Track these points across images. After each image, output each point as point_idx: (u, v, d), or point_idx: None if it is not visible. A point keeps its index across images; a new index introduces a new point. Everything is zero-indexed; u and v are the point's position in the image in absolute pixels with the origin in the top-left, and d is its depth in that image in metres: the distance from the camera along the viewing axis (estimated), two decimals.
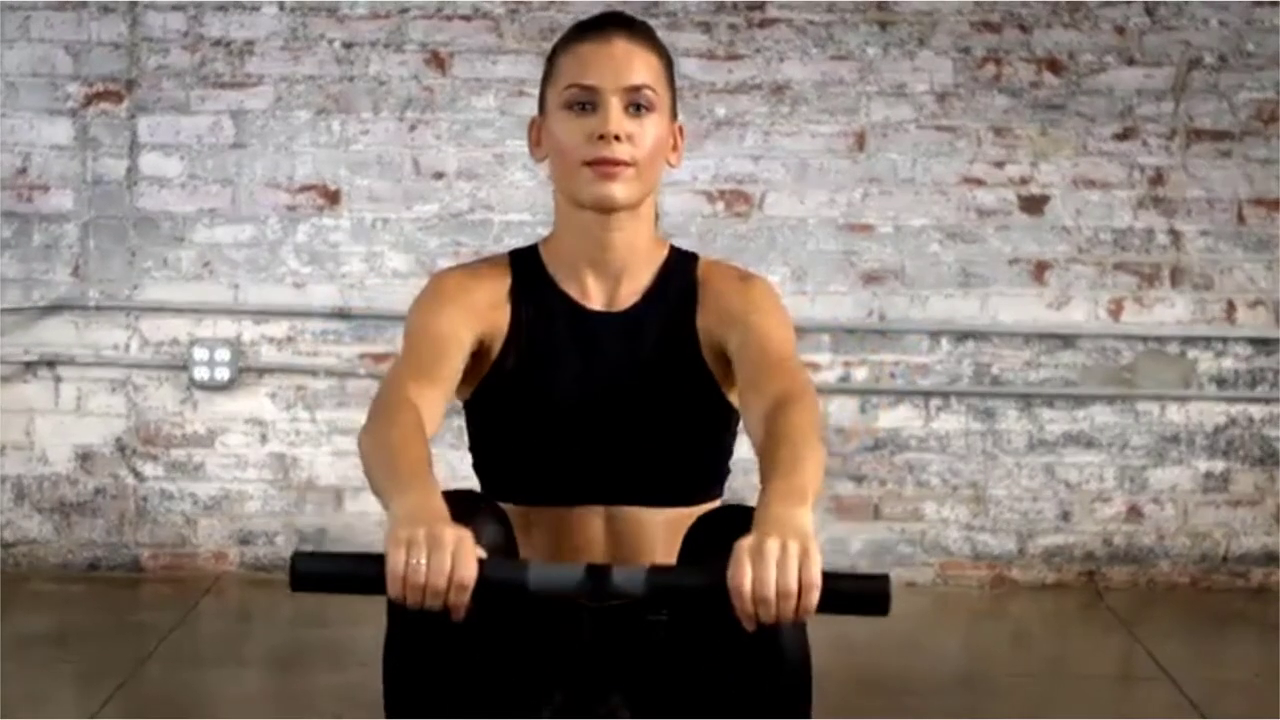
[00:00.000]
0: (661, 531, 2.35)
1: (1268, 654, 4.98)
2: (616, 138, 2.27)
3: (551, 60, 2.39)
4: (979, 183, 5.70)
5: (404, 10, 5.66)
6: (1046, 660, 5.11)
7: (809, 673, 2.14)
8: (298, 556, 1.93)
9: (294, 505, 5.75)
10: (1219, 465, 5.75)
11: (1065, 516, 5.77)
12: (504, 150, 5.63)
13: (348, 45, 5.67)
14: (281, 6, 5.66)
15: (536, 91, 2.45)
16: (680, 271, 2.42)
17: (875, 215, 5.71)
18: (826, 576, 1.83)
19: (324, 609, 5.36)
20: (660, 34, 2.46)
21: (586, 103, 2.30)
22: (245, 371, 5.71)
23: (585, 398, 2.35)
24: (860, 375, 5.71)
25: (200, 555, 5.75)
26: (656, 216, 2.46)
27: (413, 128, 5.68)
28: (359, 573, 1.90)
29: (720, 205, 5.69)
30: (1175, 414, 5.76)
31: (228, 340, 5.69)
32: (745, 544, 1.84)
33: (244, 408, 5.73)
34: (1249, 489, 5.76)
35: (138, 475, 5.73)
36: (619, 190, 2.29)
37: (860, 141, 5.70)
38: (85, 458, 5.72)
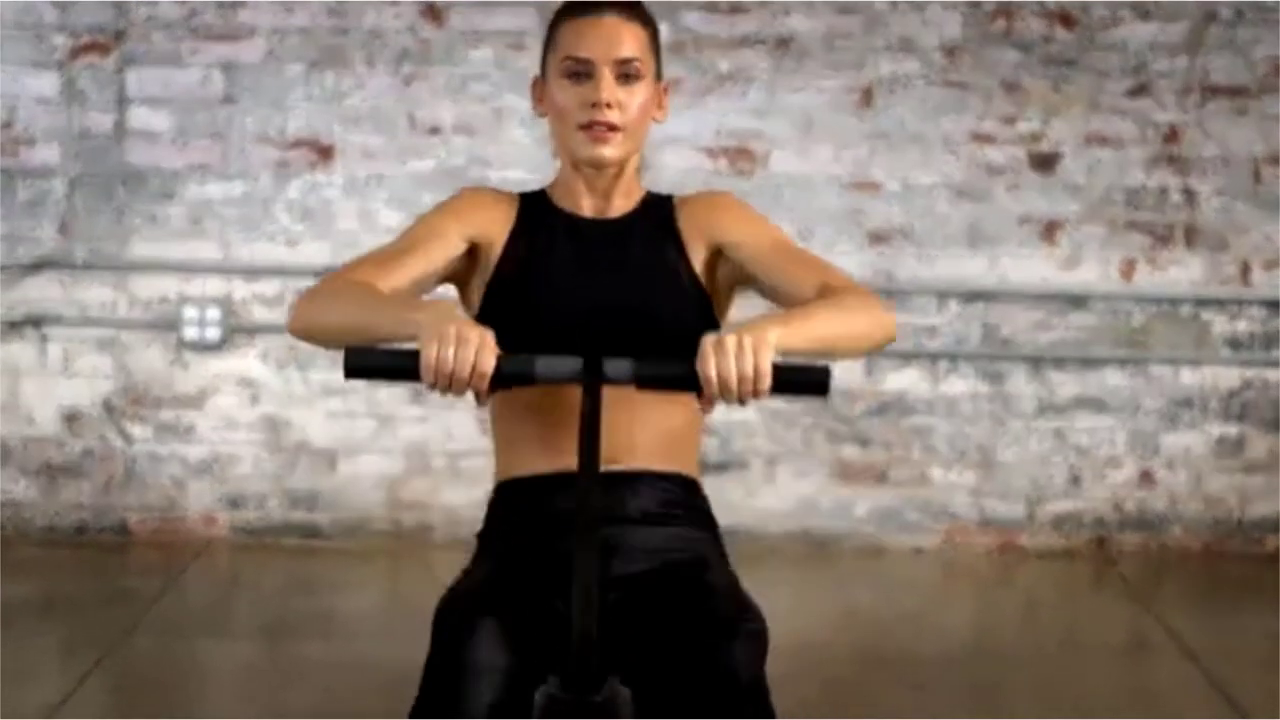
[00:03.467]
0: (647, 411, 2.51)
1: None
2: (608, 105, 2.57)
3: (552, 30, 2.65)
4: (988, 140, 5.62)
5: None
6: (1056, 630, 5.05)
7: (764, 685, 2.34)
8: (349, 351, 2.23)
9: (285, 467, 5.65)
10: (1233, 429, 5.68)
11: (1075, 482, 5.69)
12: (501, 105, 5.52)
13: None
14: None
15: (534, 44, 2.53)
16: (658, 202, 2.74)
17: (882, 173, 5.62)
18: (775, 366, 2.15)
19: (314, 575, 5.29)
20: None
21: (582, 73, 2.58)
22: (236, 331, 5.63)
23: (578, 285, 2.58)
24: None
25: (189, 519, 5.66)
26: (640, 167, 2.75)
27: (408, 81, 5.58)
28: (400, 364, 2.21)
29: (723, 162, 5.59)
30: (1188, 377, 5.68)
31: (218, 299, 5.60)
32: (709, 338, 2.18)
33: (235, 368, 5.64)
34: (1263, 454, 5.69)
35: (126, 437, 5.63)
36: (609, 151, 2.60)
37: (867, 97, 5.60)
38: (72, 419, 5.63)
